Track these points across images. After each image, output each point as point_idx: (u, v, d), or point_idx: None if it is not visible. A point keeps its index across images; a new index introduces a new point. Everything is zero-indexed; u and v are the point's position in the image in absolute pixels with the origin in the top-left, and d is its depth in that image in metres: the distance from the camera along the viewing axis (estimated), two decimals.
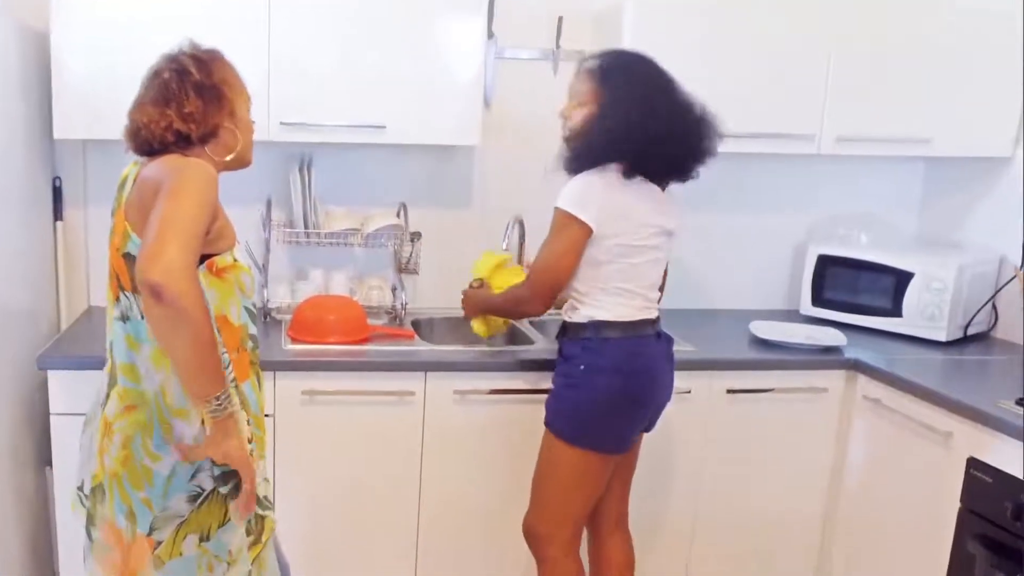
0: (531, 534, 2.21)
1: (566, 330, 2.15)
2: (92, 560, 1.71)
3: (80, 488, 1.73)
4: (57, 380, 2.25)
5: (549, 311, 2.15)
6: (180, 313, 1.36)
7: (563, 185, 2.06)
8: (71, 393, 2.23)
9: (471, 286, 2.42)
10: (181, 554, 1.59)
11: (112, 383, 1.65)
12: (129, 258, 1.56)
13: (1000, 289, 2.78)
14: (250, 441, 1.64)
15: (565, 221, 2.02)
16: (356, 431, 2.39)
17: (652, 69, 2.06)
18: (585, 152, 2.04)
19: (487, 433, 2.44)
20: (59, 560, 2.40)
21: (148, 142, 1.59)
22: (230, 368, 1.61)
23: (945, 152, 2.78)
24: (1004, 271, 2.79)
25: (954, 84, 2.68)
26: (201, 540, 1.60)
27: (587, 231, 2.00)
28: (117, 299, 1.62)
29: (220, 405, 1.49)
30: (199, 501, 1.59)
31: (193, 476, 1.58)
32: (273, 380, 2.30)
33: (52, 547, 2.49)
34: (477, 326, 2.42)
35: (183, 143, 1.59)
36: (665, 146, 2.01)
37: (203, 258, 1.53)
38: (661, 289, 2.20)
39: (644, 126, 1.98)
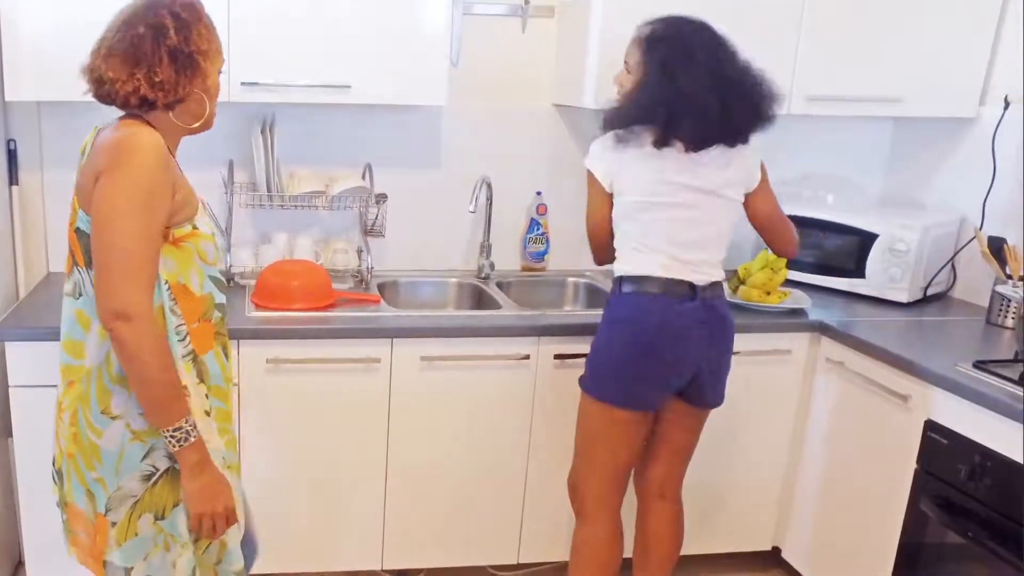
0: (568, 484, 2.28)
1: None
2: (67, 541, 1.72)
3: (53, 464, 1.72)
4: (16, 351, 2.21)
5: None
6: (131, 359, 1.45)
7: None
8: (30, 364, 2.20)
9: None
10: (136, 534, 1.59)
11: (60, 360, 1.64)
12: (80, 233, 1.53)
13: (960, 250, 2.81)
14: (207, 413, 1.60)
15: (588, 176, 2.16)
16: (322, 399, 2.38)
17: (669, 34, 2.05)
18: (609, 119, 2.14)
19: (454, 400, 2.44)
20: (23, 529, 2.39)
21: (110, 96, 1.52)
22: (187, 340, 1.55)
23: (916, 112, 2.77)
24: (964, 232, 2.82)
25: (924, 43, 2.67)
26: (156, 519, 1.59)
27: (601, 185, 2.13)
28: (70, 272, 1.60)
29: (175, 437, 1.50)
30: (153, 480, 1.57)
31: (146, 456, 1.56)
32: (237, 348, 2.27)
33: (15, 516, 2.48)
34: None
35: (146, 107, 1.52)
36: (677, 111, 2.00)
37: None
38: (786, 247, 2.28)
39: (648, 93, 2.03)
